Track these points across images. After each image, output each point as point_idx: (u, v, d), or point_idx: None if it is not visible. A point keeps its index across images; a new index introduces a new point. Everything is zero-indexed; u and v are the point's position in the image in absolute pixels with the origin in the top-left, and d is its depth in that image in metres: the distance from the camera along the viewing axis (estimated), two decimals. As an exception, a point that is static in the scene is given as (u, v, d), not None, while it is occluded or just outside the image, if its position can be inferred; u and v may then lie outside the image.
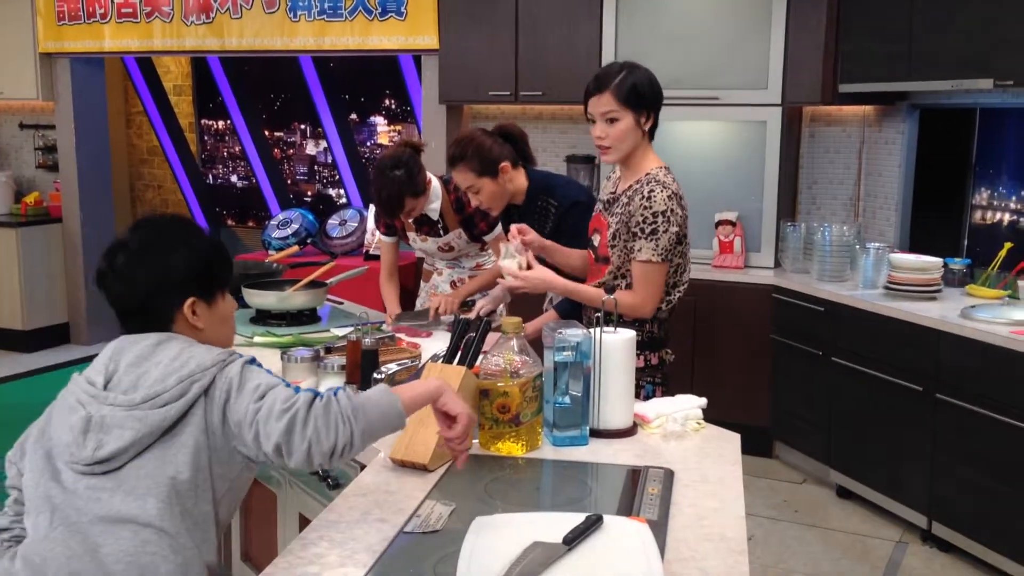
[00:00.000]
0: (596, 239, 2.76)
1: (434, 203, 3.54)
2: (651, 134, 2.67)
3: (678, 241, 2.61)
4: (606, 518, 1.54)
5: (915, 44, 4.17)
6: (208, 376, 1.68)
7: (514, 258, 2.66)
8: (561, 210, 3.10)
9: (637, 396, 2.60)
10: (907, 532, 3.98)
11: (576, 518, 1.53)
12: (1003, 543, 3.51)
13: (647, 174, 2.62)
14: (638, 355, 2.61)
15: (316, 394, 1.69)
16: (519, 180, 3.17)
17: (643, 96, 2.60)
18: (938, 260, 4.10)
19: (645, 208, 2.56)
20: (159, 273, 1.76)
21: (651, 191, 2.56)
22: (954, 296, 4.08)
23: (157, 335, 1.75)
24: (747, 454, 2.19)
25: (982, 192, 4.53)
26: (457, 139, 3.14)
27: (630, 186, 2.65)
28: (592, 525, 1.51)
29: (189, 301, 1.78)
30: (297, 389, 1.70)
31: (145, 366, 1.70)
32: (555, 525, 1.51)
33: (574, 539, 1.47)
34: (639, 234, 2.57)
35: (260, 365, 1.76)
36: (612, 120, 2.60)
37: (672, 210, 2.56)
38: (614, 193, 2.74)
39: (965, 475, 3.65)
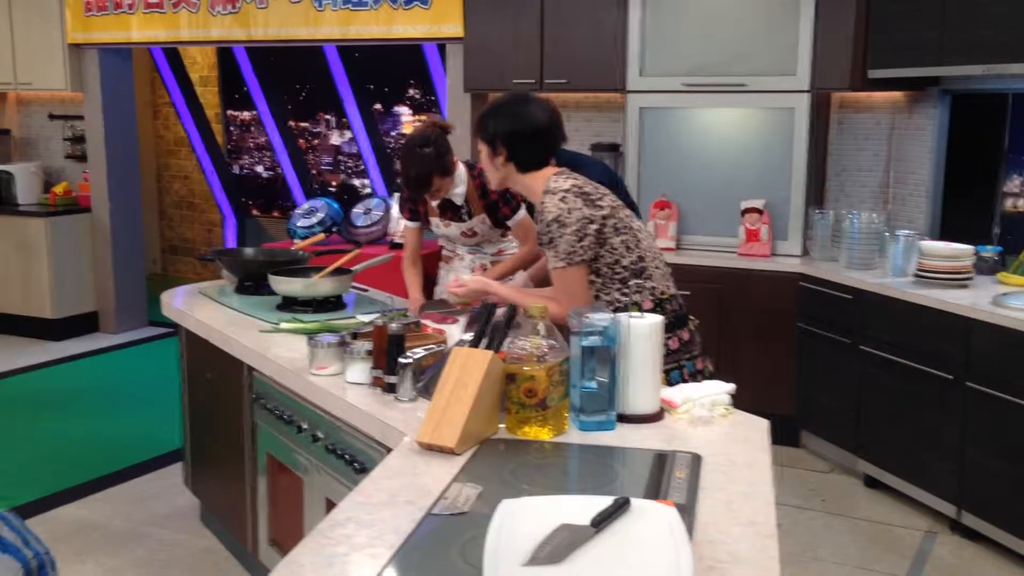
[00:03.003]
0: None
1: (459, 188, 3.54)
2: (528, 165, 2.62)
3: (581, 237, 2.51)
4: (634, 501, 1.54)
5: (947, 29, 4.11)
6: None
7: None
8: None
9: (680, 376, 2.60)
10: (936, 522, 3.94)
11: (604, 501, 1.52)
12: (1035, 533, 3.47)
13: (543, 192, 2.59)
14: (671, 337, 2.62)
15: None
16: None
17: (484, 130, 2.62)
18: (969, 248, 4.05)
19: (540, 222, 2.57)
20: None
21: (543, 204, 2.57)
22: (985, 284, 4.03)
23: None
24: (774, 443, 2.17)
25: (1014, 179, 4.46)
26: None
27: None
28: (620, 508, 1.51)
29: None
30: None
31: None
32: (582, 508, 1.50)
33: (602, 522, 1.47)
34: (544, 247, 2.59)
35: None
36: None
37: (568, 210, 2.50)
38: None
39: (995, 465, 3.60)
